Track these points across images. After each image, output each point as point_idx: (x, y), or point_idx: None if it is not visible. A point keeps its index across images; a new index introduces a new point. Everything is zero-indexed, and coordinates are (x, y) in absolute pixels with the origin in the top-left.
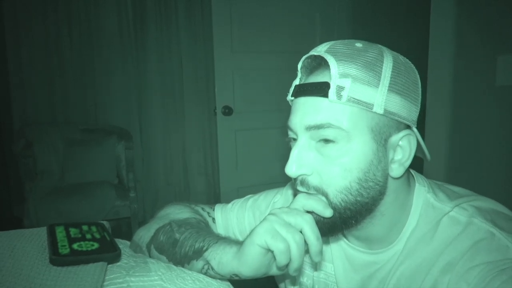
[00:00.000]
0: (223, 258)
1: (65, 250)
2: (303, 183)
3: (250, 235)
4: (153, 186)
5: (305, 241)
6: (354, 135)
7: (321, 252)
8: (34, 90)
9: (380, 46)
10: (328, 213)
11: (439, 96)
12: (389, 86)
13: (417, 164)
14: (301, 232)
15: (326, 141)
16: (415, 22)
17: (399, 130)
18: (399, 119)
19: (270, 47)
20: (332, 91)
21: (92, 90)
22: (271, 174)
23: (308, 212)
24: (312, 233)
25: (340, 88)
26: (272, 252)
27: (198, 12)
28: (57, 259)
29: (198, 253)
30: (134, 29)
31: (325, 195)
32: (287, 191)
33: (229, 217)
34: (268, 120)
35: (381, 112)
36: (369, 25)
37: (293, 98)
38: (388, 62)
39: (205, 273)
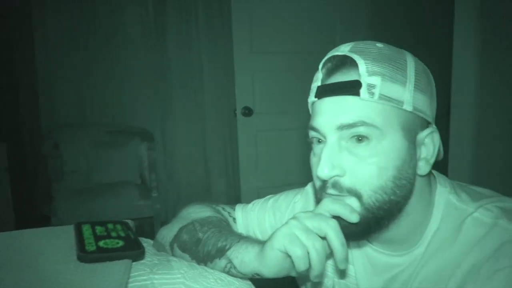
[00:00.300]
0: (245, 257)
1: (92, 247)
2: (335, 185)
3: (271, 239)
4: (175, 186)
5: (329, 246)
6: (387, 132)
7: (346, 259)
8: (61, 93)
9: (398, 48)
10: (354, 218)
11: (463, 97)
12: (415, 84)
13: (442, 166)
14: (325, 237)
15: (359, 140)
16: (438, 26)
17: (423, 127)
18: (424, 116)
19: (290, 48)
20: (363, 89)
21: (117, 93)
22: (291, 175)
23: (334, 217)
24: (336, 239)
25: (371, 86)
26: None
27: (217, 13)
28: (84, 256)
29: (221, 252)
30: (155, 33)
31: (359, 196)
32: (308, 192)
33: (249, 217)
34: (288, 121)
35: (410, 109)
36: (390, 26)
37: (316, 99)
38: (410, 61)
39: (228, 272)
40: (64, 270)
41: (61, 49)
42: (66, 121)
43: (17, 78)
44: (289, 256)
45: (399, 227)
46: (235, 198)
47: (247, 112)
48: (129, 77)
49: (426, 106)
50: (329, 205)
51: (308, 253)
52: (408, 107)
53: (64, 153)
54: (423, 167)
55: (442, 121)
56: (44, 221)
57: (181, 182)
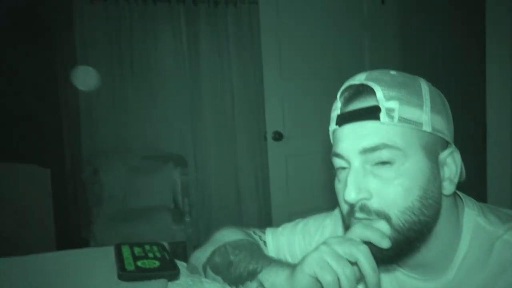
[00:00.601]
0: (276, 281)
1: (131, 267)
2: (362, 208)
3: (301, 263)
4: (207, 211)
5: (360, 272)
6: (409, 153)
7: (379, 284)
8: (100, 122)
9: (411, 74)
10: (385, 243)
11: (499, 119)
12: (430, 106)
13: (480, 188)
14: (355, 263)
15: (383, 162)
16: (471, 45)
17: (443, 147)
18: (443, 136)
19: (318, 73)
20: (383, 113)
21: (152, 120)
22: (323, 199)
23: (365, 242)
24: (368, 264)
25: (390, 110)
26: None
27: (248, 40)
28: (124, 274)
29: (252, 275)
30: (189, 59)
31: (387, 218)
32: (337, 215)
33: (279, 241)
34: (319, 145)
35: (429, 130)
36: (420, 46)
37: (337, 127)
38: (424, 85)
39: None
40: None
41: (101, 80)
42: (104, 148)
43: (61, 108)
44: (319, 282)
45: (429, 251)
46: (266, 222)
47: (277, 136)
48: (163, 105)
49: (444, 127)
50: (359, 231)
51: (338, 279)
52: (427, 128)
53: (103, 179)
54: (447, 187)
55: (479, 144)
56: (83, 244)
57: (213, 207)
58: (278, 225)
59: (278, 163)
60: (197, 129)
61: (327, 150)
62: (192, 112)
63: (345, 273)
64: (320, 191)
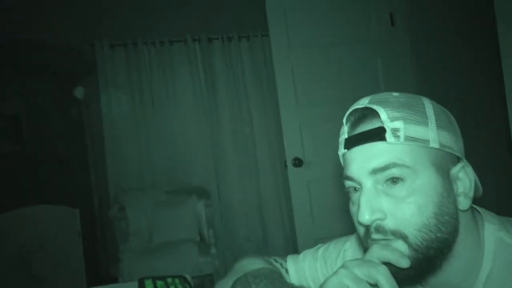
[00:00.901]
0: None
1: None
2: (378, 229)
3: None
4: (233, 242)
5: None
6: (419, 171)
7: None
8: (125, 160)
9: (413, 94)
10: (404, 263)
11: None
12: (436, 123)
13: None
14: (376, 285)
15: (394, 181)
16: (483, 54)
17: (454, 163)
18: (452, 151)
19: (334, 98)
20: (388, 134)
21: (174, 155)
22: (348, 224)
23: (384, 263)
24: (387, 285)
25: (395, 130)
26: None
27: (263, 70)
28: None
29: None
30: (207, 94)
31: (404, 238)
32: (357, 238)
33: (301, 268)
34: (339, 168)
35: (437, 146)
36: (432, 65)
37: (345, 150)
38: (427, 103)
39: None
40: None
41: (124, 120)
42: (129, 185)
43: (88, 150)
44: None
45: (451, 269)
46: (293, 251)
47: (297, 162)
48: (184, 140)
49: (452, 142)
50: (377, 252)
51: None
52: (434, 144)
53: (129, 215)
54: (463, 202)
55: (505, 157)
56: (112, 281)
57: (239, 237)
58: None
59: (300, 189)
60: (218, 161)
61: None
62: (213, 145)
63: None
64: (345, 215)
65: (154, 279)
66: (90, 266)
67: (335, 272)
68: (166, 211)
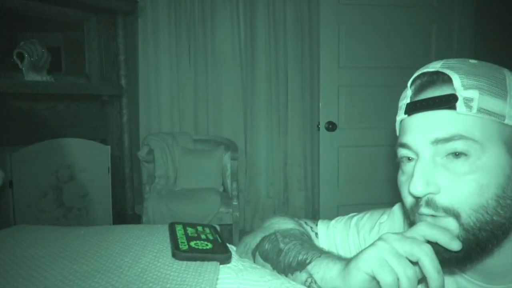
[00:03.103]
0: (326, 274)
1: (184, 247)
2: (429, 203)
3: (357, 259)
4: (254, 197)
5: (420, 272)
6: (488, 148)
7: (443, 287)
8: (157, 105)
9: (494, 64)
10: (455, 245)
11: None
12: None
13: None
14: (416, 263)
15: (456, 155)
16: None
17: None
18: None
19: (379, 62)
20: (460, 103)
21: (205, 105)
22: (374, 194)
23: (429, 242)
24: (432, 266)
25: (468, 100)
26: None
27: (305, 27)
28: (179, 253)
29: (302, 265)
30: (244, 47)
31: (457, 216)
32: (394, 213)
33: (332, 234)
34: (373, 137)
35: None
36: (495, 38)
37: (406, 116)
38: (509, 75)
39: (308, 286)
40: (161, 265)
41: (159, 64)
42: (160, 129)
43: (122, 92)
44: (375, 280)
45: (501, 256)
46: (313, 213)
47: (331, 127)
48: (217, 91)
49: None
50: (425, 230)
51: (398, 279)
52: (510, 121)
53: (157, 158)
54: None
55: None
56: (136, 219)
57: (260, 193)
58: (326, 216)
59: (330, 153)
60: (249, 116)
61: (382, 143)
62: (245, 99)
63: (407, 273)
64: (371, 185)
65: (184, 226)
66: (117, 201)
67: (373, 244)
68: (192, 158)
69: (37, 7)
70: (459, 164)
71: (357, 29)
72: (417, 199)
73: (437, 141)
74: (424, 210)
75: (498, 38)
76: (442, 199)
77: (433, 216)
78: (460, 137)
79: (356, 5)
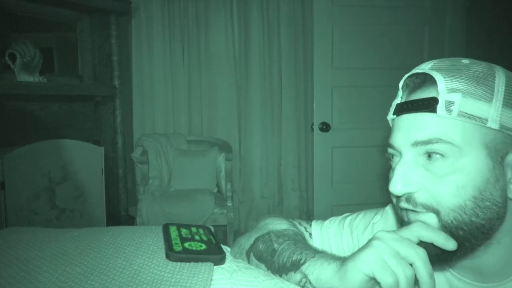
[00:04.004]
0: (321, 274)
1: (178, 248)
2: (408, 200)
3: (355, 260)
4: (248, 197)
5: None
6: (467, 150)
7: None
8: (151, 106)
9: (488, 63)
10: (451, 245)
11: None
12: (503, 101)
13: None
14: (411, 265)
15: (436, 157)
16: None
17: None
18: None
19: (372, 63)
20: (440, 106)
21: (199, 106)
22: (368, 194)
23: (421, 243)
24: (425, 271)
25: (449, 103)
26: (378, 283)
27: (299, 28)
28: (173, 254)
29: (296, 265)
30: (238, 48)
31: (436, 213)
32: (388, 212)
33: (326, 234)
34: (366, 137)
35: (496, 127)
36: (486, 39)
37: (394, 116)
38: (500, 76)
39: (303, 287)
40: (155, 266)
41: (153, 65)
42: (153, 130)
43: (115, 92)
44: (373, 280)
45: (489, 256)
46: (307, 213)
47: (325, 127)
48: (211, 92)
49: None
50: (420, 231)
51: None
52: (493, 125)
53: (151, 159)
54: None
55: None
56: (130, 221)
57: (255, 194)
58: (320, 217)
59: (324, 154)
60: (243, 117)
61: (375, 143)
62: (239, 100)
63: (406, 275)
64: (365, 186)
65: (178, 227)
66: (110, 203)
67: (370, 245)
68: (187, 159)
69: (30, 7)
70: (438, 166)
71: (350, 31)
72: (398, 196)
73: (417, 143)
74: (403, 204)
75: (489, 40)
76: (421, 197)
77: (413, 211)
78: (438, 140)
79: (349, 6)
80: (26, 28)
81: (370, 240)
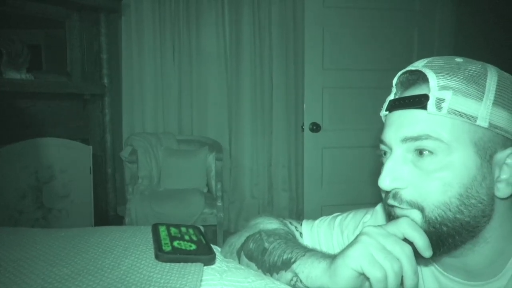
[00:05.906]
0: (311, 273)
1: (168, 248)
2: (395, 196)
3: (343, 256)
4: (239, 197)
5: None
6: (455, 148)
7: (416, 286)
8: (141, 105)
9: (482, 62)
10: (427, 253)
11: None
12: (494, 100)
13: None
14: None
15: (424, 153)
16: None
17: (505, 146)
18: (506, 134)
19: (362, 65)
20: (431, 103)
21: (189, 105)
22: (357, 194)
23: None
24: (410, 267)
25: (440, 100)
26: (367, 278)
27: (290, 29)
28: (162, 255)
29: (286, 264)
30: (229, 47)
31: (421, 209)
32: (377, 212)
33: (316, 234)
34: (356, 138)
35: (486, 125)
36: (475, 41)
37: (387, 112)
38: (492, 75)
39: (294, 286)
40: (144, 267)
41: (143, 63)
42: (143, 130)
43: (104, 91)
44: (362, 275)
45: (476, 255)
46: (297, 214)
47: (315, 128)
48: (202, 91)
49: (508, 123)
50: (407, 229)
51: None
52: (482, 123)
53: (140, 158)
54: (502, 189)
55: None
56: (119, 220)
57: (245, 194)
58: (310, 216)
59: (314, 154)
60: (233, 116)
61: (365, 144)
62: (230, 99)
63: (394, 269)
64: (355, 186)
65: (168, 226)
66: (98, 202)
67: (359, 240)
68: (176, 159)
69: (17, 4)
70: (427, 162)
71: (341, 32)
72: (386, 191)
73: (406, 139)
74: (390, 201)
75: (478, 42)
76: (407, 194)
77: (399, 207)
78: (427, 136)
79: (340, 8)
80: (14, 25)
81: (358, 236)
